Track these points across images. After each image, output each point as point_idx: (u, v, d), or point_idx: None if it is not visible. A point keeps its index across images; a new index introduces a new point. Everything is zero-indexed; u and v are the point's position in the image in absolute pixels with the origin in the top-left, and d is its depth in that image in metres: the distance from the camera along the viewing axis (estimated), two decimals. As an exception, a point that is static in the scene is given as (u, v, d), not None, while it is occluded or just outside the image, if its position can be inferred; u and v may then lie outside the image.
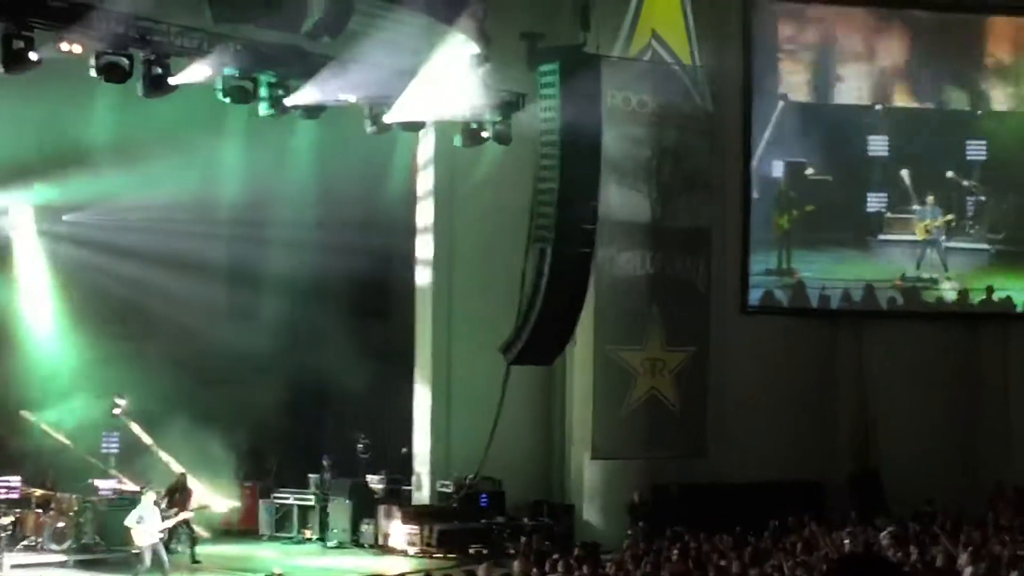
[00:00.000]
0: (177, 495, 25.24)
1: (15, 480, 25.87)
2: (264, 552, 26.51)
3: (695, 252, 29.10)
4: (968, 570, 17.45)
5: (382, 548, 27.13)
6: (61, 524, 25.17)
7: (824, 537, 22.13)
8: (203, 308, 27.94)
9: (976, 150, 31.47)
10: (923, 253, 31.36)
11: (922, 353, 30.81)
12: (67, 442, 27.35)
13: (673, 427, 28.62)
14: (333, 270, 28.84)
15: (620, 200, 27.91)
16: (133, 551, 22.86)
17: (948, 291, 31.38)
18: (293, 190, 28.16)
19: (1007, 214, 31.63)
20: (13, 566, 23.26)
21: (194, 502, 25.48)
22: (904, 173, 31.30)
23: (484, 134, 26.23)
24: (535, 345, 26.75)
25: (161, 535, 22.82)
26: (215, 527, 27.67)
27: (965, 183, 31.45)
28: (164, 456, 27.46)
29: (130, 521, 22.76)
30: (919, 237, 31.22)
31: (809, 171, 31.23)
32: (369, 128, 24.87)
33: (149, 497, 23.10)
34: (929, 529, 23.36)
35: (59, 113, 25.40)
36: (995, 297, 31.38)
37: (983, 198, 31.58)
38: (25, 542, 25.01)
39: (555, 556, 22.43)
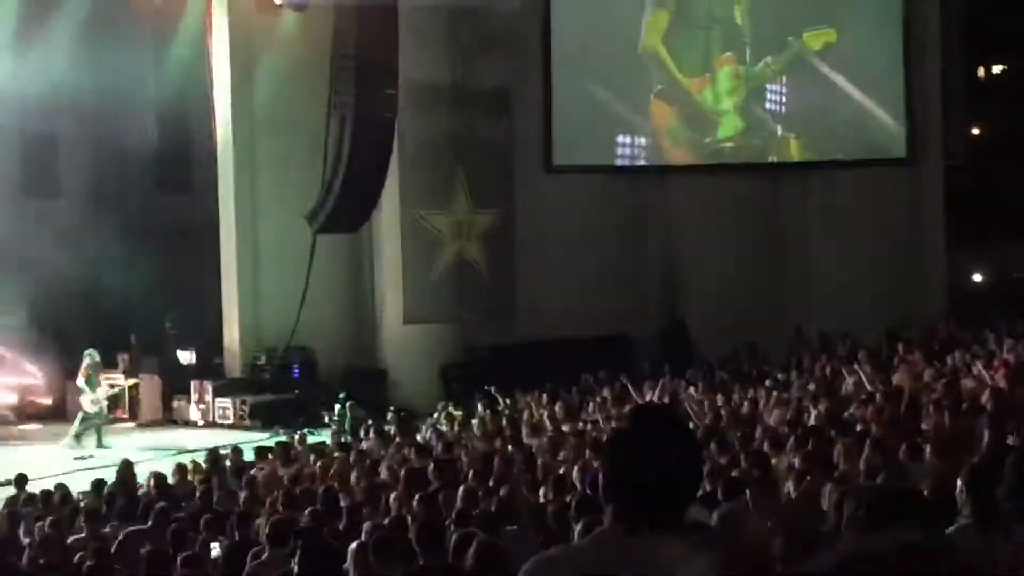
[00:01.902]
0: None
1: None
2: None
3: (498, 112, 29.06)
4: (776, 413, 17.90)
5: (195, 424, 26.96)
6: None
7: (634, 390, 22.52)
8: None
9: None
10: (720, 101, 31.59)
11: (726, 205, 31.14)
12: None
13: (482, 288, 28.77)
14: (132, 144, 28.21)
15: (420, 63, 27.62)
16: None
17: (749, 141, 31.72)
18: (85, 60, 27.20)
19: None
20: None
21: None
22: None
23: (279, 1, 25.74)
24: (340, 213, 26.57)
25: None
26: (23, 408, 27.12)
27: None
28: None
29: None
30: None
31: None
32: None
33: None
34: (735, 376, 23.93)
35: None
36: (793, 147, 31.80)
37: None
38: None
39: (369, 423, 22.63)
